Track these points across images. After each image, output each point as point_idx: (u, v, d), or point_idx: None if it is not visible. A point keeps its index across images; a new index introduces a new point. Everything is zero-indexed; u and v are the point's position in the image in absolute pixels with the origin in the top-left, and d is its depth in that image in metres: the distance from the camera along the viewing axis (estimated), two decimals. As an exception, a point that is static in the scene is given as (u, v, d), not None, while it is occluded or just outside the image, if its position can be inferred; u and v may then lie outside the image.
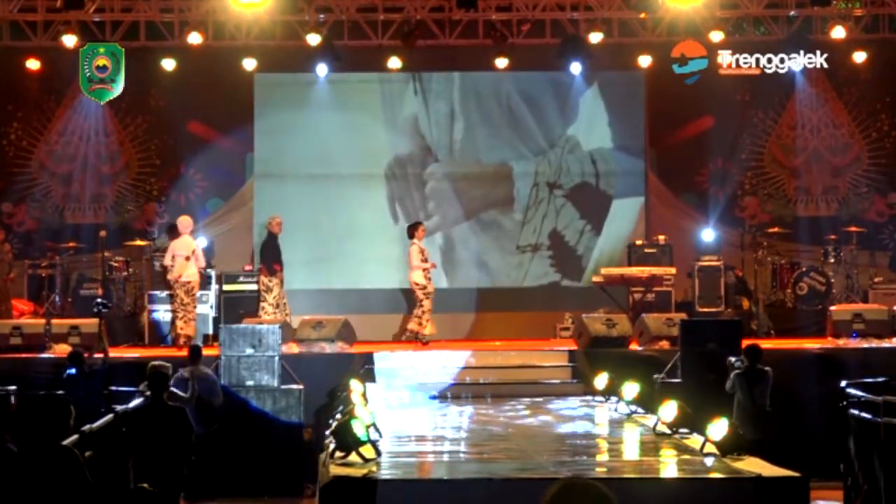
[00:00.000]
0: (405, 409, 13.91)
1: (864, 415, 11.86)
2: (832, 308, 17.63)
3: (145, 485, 9.26)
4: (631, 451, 11.27)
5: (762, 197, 20.32)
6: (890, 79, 20.05)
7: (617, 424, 12.48)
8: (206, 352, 15.03)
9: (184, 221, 17.66)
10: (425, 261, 17.76)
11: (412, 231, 17.93)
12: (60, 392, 13.78)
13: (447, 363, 16.26)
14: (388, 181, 20.05)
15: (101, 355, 14.96)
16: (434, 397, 15.07)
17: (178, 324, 17.29)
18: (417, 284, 17.66)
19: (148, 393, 11.42)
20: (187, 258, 17.27)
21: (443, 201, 20.06)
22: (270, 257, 17.95)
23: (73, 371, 14.35)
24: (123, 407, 11.51)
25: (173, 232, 17.87)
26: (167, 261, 17.51)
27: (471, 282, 19.92)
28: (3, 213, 19.84)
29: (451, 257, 20.02)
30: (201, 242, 19.11)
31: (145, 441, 10.49)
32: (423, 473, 9.97)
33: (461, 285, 19.88)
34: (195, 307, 17.42)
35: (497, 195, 20.14)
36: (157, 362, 11.97)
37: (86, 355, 15.02)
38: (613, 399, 13.54)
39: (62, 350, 15.75)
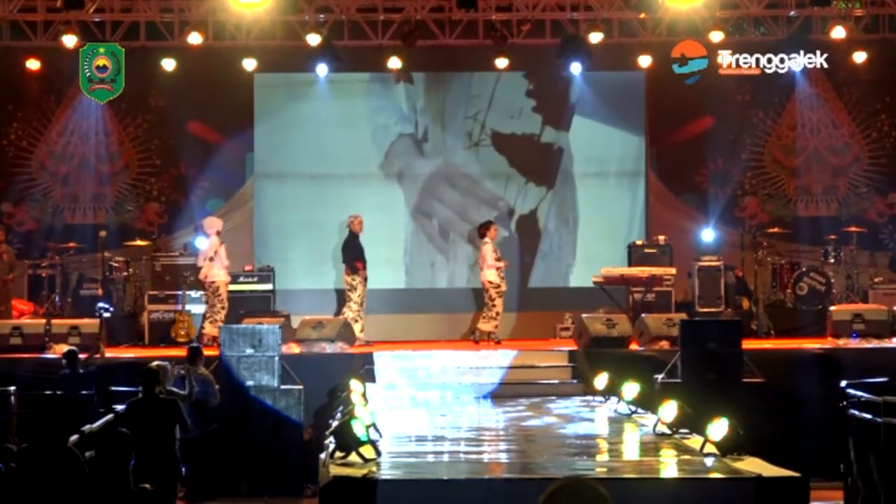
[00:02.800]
0: (405, 409, 13.91)
1: (864, 415, 11.86)
2: (832, 308, 17.63)
3: (147, 485, 9.28)
4: (631, 451, 11.27)
5: (762, 197, 20.31)
6: (890, 79, 20.05)
7: (617, 424, 12.48)
8: (205, 352, 15.02)
9: (207, 222, 17.93)
10: (498, 259, 17.82)
11: (484, 230, 18.01)
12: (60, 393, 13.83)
13: (447, 363, 16.27)
14: (388, 182, 20.03)
15: (98, 356, 14.99)
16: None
17: (205, 325, 17.34)
18: (492, 283, 17.73)
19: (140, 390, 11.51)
20: (210, 259, 17.42)
21: (449, 203, 20.03)
22: (353, 256, 18.04)
23: (67, 371, 14.36)
24: (122, 407, 11.55)
25: (201, 232, 18.10)
26: (199, 262, 17.69)
27: (470, 282, 19.92)
28: (3, 213, 19.83)
29: (453, 257, 20.02)
30: (201, 242, 19.14)
31: (139, 433, 10.57)
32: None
33: (461, 285, 19.89)
34: (224, 307, 17.49)
35: (505, 196, 20.12)
36: (155, 363, 12.05)
37: (85, 355, 15.05)
38: (613, 399, 13.55)
39: (62, 350, 15.75)
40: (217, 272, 17.46)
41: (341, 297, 19.25)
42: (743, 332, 15.61)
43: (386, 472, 9.20)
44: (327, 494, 8.76)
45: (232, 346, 14.87)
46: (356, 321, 17.70)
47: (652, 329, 16.51)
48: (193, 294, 17.96)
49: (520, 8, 19.26)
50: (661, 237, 19.24)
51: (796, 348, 16.61)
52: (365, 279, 18.01)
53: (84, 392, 13.87)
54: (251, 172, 20.12)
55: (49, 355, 15.99)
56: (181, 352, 15.51)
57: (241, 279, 18.54)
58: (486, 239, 17.85)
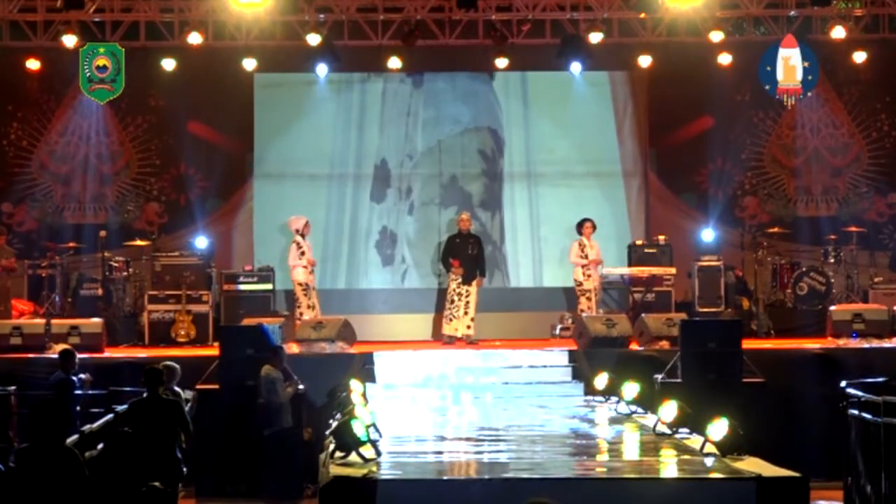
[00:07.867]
0: (405, 408, 13.91)
1: (864, 415, 11.87)
2: (832, 308, 17.63)
3: (157, 483, 9.28)
4: (631, 451, 11.26)
5: (762, 197, 20.32)
6: (890, 79, 20.05)
7: (617, 424, 12.48)
8: (205, 352, 15.02)
9: (290, 221, 18.07)
10: (584, 256, 17.90)
11: (579, 227, 18.16)
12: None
13: (447, 363, 16.27)
14: (385, 182, 20.03)
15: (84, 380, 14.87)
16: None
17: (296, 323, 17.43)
18: (575, 281, 17.82)
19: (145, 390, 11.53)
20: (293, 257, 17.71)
21: (449, 201, 20.06)
22: (448, 253, 18.11)
23: (61, 372, 14.26)
24: (123, 407, 11.57)
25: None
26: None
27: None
28: (3, 213, 19.84)
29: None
30: (201, 242, 19.16)
31: (141, 433, 10.59)
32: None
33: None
34: (308, 306, 17.55)
35: (502, 195, 20.13)
36: (166, 362, 12.09)
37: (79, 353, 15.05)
38: (613, 399, 13.54)
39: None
40: (297, 270, 17.60)
41: (341, 297, 19.28)
42: (743, 332, 15.61)
43: (386, 472, 9.19)
44: (327, 494, 8.75)
45: (232, 346, 14.86)
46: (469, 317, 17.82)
47: (652, 329, 16.50)
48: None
49: (520, 8, 19.25)
50: (661, 237, 19.24)
51: (796, 348, 16.60)
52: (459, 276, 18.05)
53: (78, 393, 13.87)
54: (251, 172, 20.12)
55: (49, 355, 15.96)
56: (181, 352, 15.51)
57: (241, 279, 18.56)
58: (580, 236, 18.02)
